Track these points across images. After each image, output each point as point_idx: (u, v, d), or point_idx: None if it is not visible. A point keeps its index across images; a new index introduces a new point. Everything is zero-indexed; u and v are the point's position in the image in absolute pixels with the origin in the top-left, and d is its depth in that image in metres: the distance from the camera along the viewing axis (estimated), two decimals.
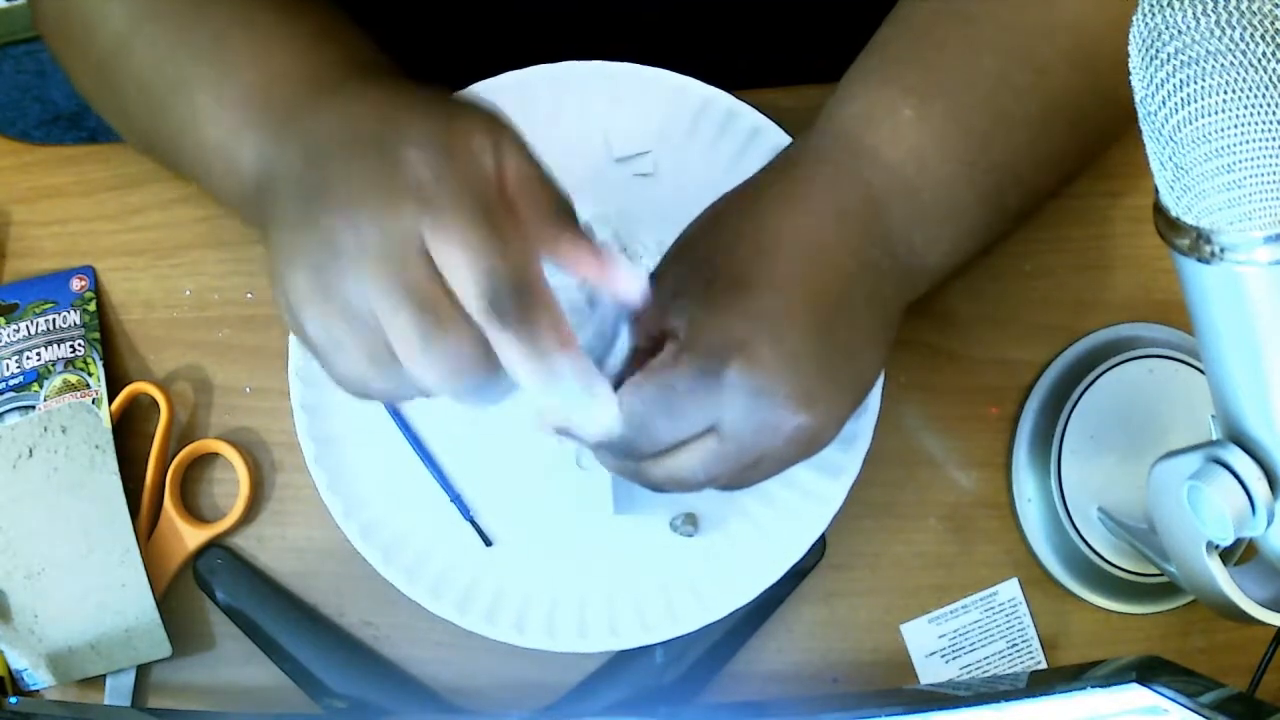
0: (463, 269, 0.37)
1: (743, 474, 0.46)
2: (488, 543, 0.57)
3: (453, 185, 0.38)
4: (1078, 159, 0.54)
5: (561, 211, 0.41)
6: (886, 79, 0.50)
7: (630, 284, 0.41)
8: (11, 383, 0.59)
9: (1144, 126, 0.38)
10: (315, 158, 0.41)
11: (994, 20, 0.50)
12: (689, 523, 0.56)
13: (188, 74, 0.49)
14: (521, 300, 0.38)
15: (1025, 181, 0.52)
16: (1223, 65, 0.34)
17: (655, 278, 0.47)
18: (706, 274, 0.46)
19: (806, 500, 0.56)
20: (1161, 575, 0.56)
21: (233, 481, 0.59)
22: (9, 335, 0.59)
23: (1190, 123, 0.36)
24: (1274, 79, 0.34)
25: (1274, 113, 0.35)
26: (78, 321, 0.60)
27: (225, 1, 0.50)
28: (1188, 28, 0.35)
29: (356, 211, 0.38)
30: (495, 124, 0.40)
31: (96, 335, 0.60)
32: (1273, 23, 0.34)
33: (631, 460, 0.46)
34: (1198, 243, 0.38)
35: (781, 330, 0.44)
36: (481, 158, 0.39)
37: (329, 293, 0.39)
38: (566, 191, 0.41)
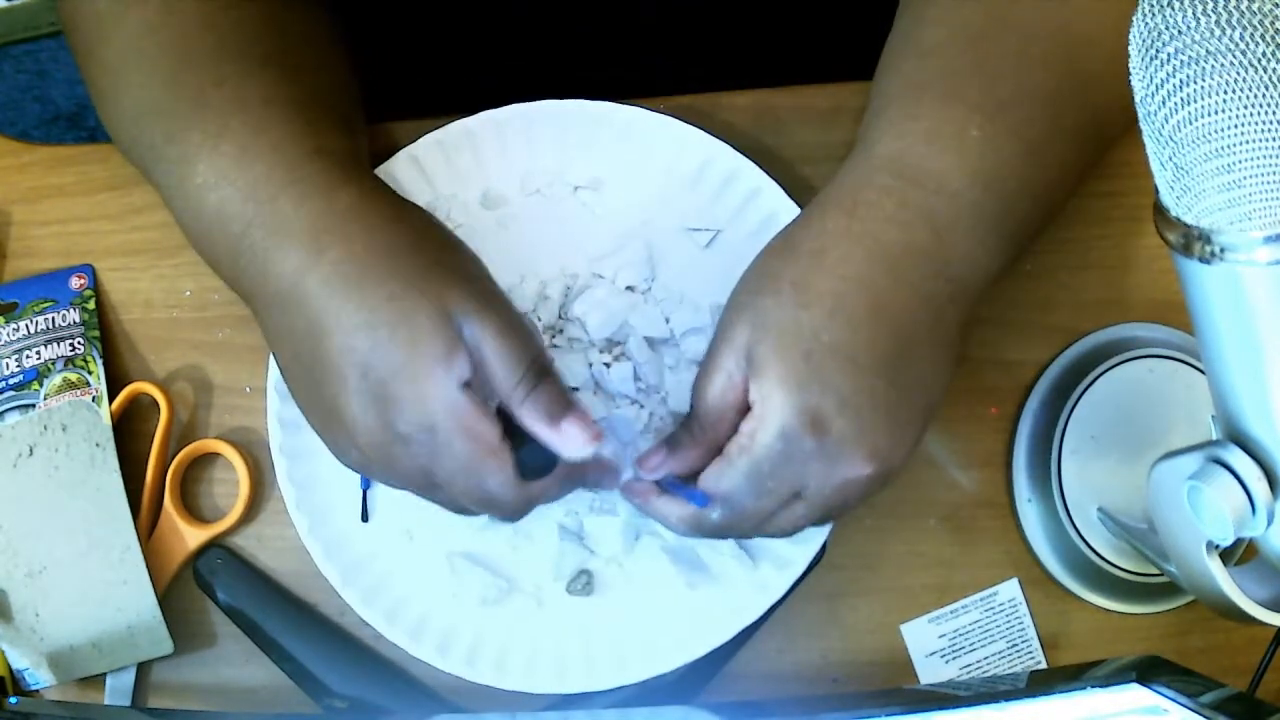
0: (476, 509, 0.49)
1: (826, 517, 0.50)
2: None
3: (443, 460, 0.46)
4: (1099, 157, 0.55)
5: (522, 381, 0.47)
6: (948, 93, 0.49)
7: (573, 448, 0.48)
8: (11, 381, 0.59)
9: (1144, 126, 0.38)
10: (297, 344, 0.47)
11: (1044, 32, 0.50)
12: None
13: (159, 148, 0.51)
14: (525, 512, 0.50)
15: (1070, 188, 0.53)
16: (1223, 65, 0.34)
17: (719, 332, 0.49)
18: (775, 334, 0.47)
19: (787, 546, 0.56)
20: (1161, 575, 0.56)
21: (233, 481, 0.59)
22: (9, 334, 0.59)
23: (1190, 123, 0.36)
24: (1274, 79, 0.34)
25: (1274, 113, 0.35)
26: (77, 320, 0.60)
27: (199, 59, 0.51)
28: (1188, 28, 0.35)
29: (366, 449, 0.47)
30: (454, 315, 0.46)
31: (96, 333, 0.60)
32: (1273, 23, 0.34)
33: (724, 538, 0.52)
34: (1198, 243, 0.38)
35: (848, 398, 0.46)
36: (457, 396, 0.45)
37: (367, 470, 0.49)
38: (527, 332, 0.48)
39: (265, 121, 0.49)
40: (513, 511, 0.49)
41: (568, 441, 0.47)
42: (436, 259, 0.47)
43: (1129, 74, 0.49)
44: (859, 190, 0.48)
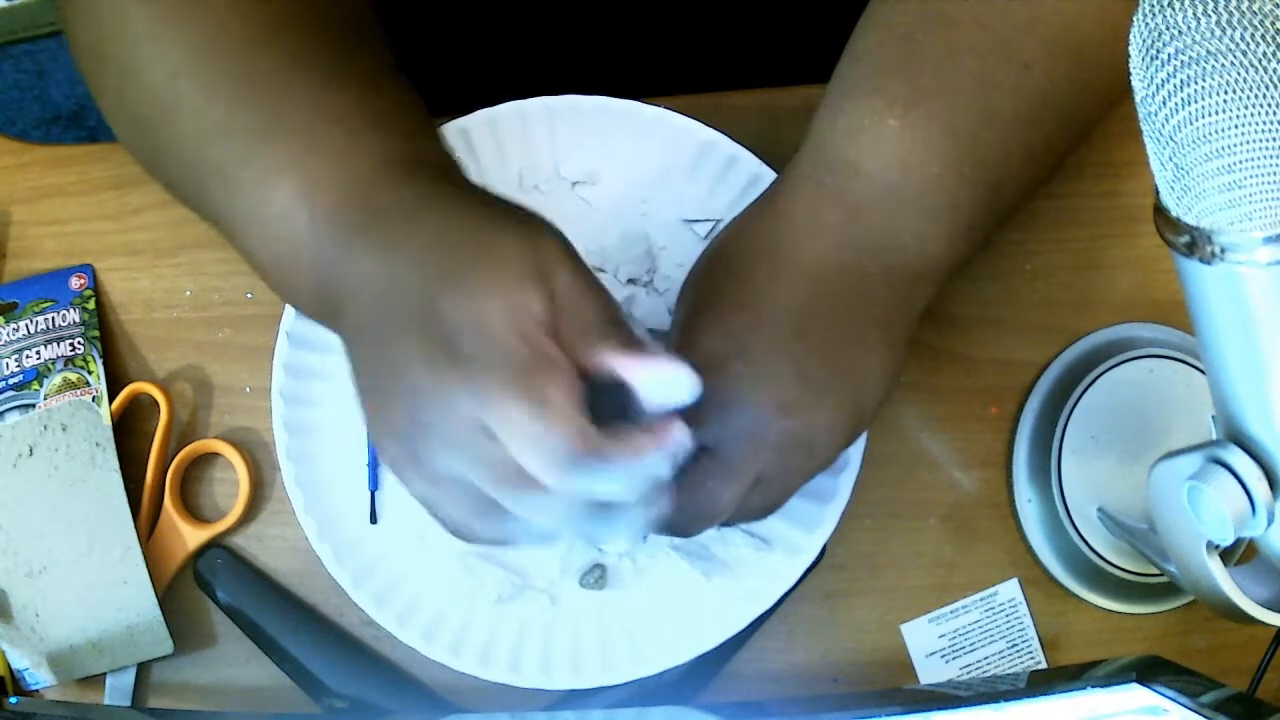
0: (525, 452, 0.39)
1: (754, 496, 0.47)
2: None
3: (497, 367, 0.39)
4: (1066, 147, 0.55)
5: (607, 325, 0.41)
6: (869, 90, 0.50)
7: (667, 390, 0.41)
8: (11, 381, 0.59)
9: (1144, 126, 0.38)
10: (371, 315, 0.43)
11: (974, 19, 0.50)
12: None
13: (229, 171, 0.47)
14: (587, 463, 0.39)
15: (1017, 175, 0.52)
16: (1223, 65, 0.34)
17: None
18: (690, 304, 0.49)
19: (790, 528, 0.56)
20: (1161, 575, 0.56)
21: (233, 481, 0.59)
22: (9, 334, 0.60)
23: (1190, 123, 0.36)
24: (1274, 79, 0.34)
25: (1274, 113, 0.35)
26: (77, 320, 0.60)
27: (266, 72, 0.47)
28: (1188, 28, 0.35)
29: (419, 398, 0.40)
30: (539, 255, 0.41)
31: (96, 333, 0.60)
32: (1273, 23, 0.34)
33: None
34: (1198, 243, 0.38)
35: (746, 342, 0.46)
36: (523, 310, 0.40)
37: (419, 461, 0.41)
38: (614, 300, 0.43)
39: (363, 130, 0.46)
40: (571, 459, 0.38)
41: (652, 365, 0.40)
42: (542, 223, 0.44)
43: (1087, 54, 0.49)
44: (779, 183, 0.51)
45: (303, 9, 0.49)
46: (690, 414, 0.45)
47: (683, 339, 0.47)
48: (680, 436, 0.40)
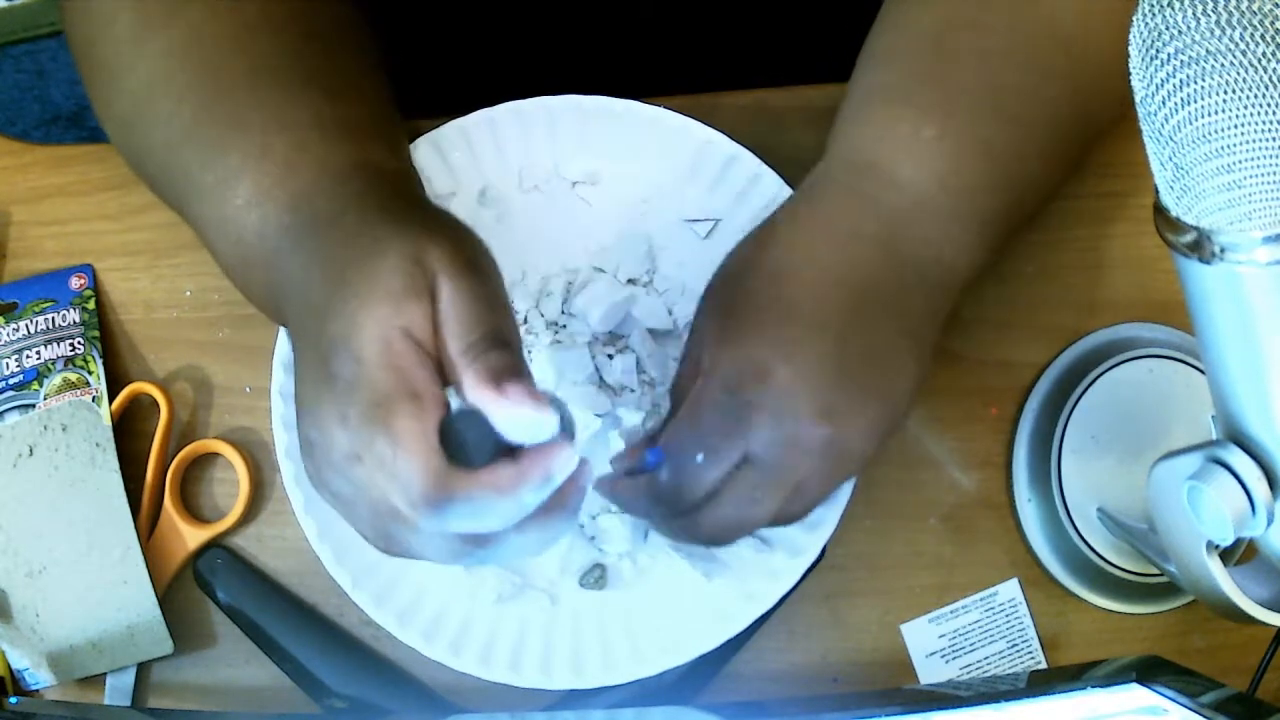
0: (388, 486, 0.40)
1: (790, 503, 0.47)
2: None
3: (359, 396, 0.40)
4: (1080, 152, 0.55)
5: (481, 346, 0.41)
6: (902, 98, 0.50)
7: (511, 413, 0.40)
8: (11, 381, 0.59)
9: (1144, 126, 0.38)
10: (295, 321, 0.45)
11: (999, 26, 0.50)
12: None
13: (194, 176, 0.49)
14: (440, 502, 0.40)
15: (1040, 181, 0.52)
16: (1223, 65, 0.34)
17: (693, 324, 0.50)
18: (725, 309, 0.48)
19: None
20: (1161, 575, 0.56)
21: (233, 481, 0.59)
22: (9, 334, 0.60)
23: (1190, 123, 0.36)
24: (1274, 79, 0.34)
25: (1274, 113, 0.35)
26: (77, 320, 0.60)
27: (230, 83, 0.49)
28: (1188, 28, 0.35)
29: (307, 416, 0.42)
30: (422, 266, 0.42)
31: (96, 333, 0.60)
32: (1273, 23, 0.34)
33: (683, 516, 0.48)
34: (1198, 243, 0.38)
35: (792, 350, 0.46)
36: (395, 328, 0.41)
37: (321, 480, 0.43)
38: (506, 314, 0.43)
39: (309, 140, 0.47)
40: (421, 496, 0.39)
41: (507, 405, 0.40)
42: (438, 229, 0.44)
43: (1103, 60, 0.49)
44: (812, 187, 0.51)
45: (276, 13, 0.50)
46: (731, 423, 0.46)
47: (722, 346, 0.47)
48: (559, 465, 0.40)
